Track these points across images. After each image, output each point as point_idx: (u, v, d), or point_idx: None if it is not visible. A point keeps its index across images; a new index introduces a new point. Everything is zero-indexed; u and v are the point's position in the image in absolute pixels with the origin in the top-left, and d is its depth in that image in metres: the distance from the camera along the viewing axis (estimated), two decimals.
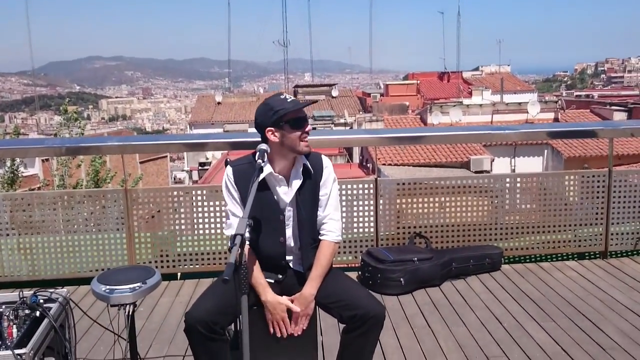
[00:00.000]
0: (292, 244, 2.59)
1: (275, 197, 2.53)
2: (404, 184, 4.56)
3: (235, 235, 1.97)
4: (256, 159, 2.38)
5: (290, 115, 2.43)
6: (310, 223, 2.57)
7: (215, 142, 4.84)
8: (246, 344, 2.04)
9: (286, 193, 2.53)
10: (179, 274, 4.70)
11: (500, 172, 18.04)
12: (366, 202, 4.46)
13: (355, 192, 4.46)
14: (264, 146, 2.44)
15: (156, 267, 4.41)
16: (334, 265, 4.09)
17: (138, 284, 2.41)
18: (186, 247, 4.52)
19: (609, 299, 3.88)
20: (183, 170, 35.16)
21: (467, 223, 4.60)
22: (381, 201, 4.48)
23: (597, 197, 4.66)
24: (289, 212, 2.55)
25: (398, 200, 4.55)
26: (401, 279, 4.02)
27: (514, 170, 21.87)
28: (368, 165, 22.27)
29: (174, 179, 35.67)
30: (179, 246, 4.54)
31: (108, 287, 2.40)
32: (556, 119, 24.84)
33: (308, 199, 2.55)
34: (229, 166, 2.56)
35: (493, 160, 21.58)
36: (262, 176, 2.43)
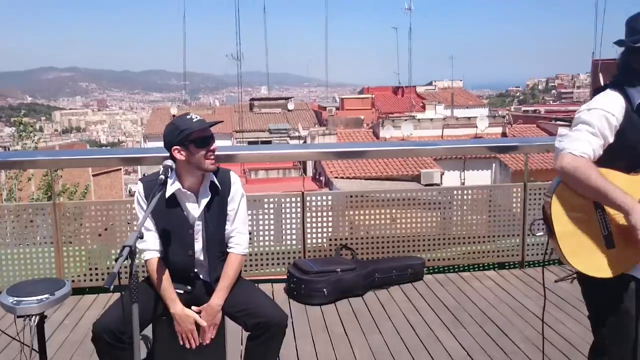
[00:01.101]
0: (201, 257, 2.70)
1: (184, 212, 2.65)
2: (349, 196, 4.72)
3: (124, 247, 2.08)
4: (160, 174, 2.49)
5: (195, 135, 2.55)
6: (218, 237, 2.70)
7: (152, 157, 4.88)
8: (137, 352, 2.14)
9: (194, 208, 2.65)
10: (111, 287, 4.72)
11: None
12: (294, 215, 4.60)
13: (284, 205, 4.59)
14: (169, 162, 2.55)
15: (86, 280, 4.45)
16: (264, 277, 4.26)
17: (46, 296, 2.48)
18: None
19: (519, 307, 4.10)
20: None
21: (393, 235, 4.78)
22: (309, 214, 4.62)
23: (516, 210, 4.92)
24: (198, 227, 2.67)
25: (326, 213, 4.70)
26: (324, 290, 4.16)
27: (463, 183, 22.40)
28: (321, 178, 22.48)
29: (129, 191, 35.15)
30: (110, 260, 4.57)
31: (16, 298, 2.46)
32: (504, 134, 25.60)
33: (216, 214, 2.67)
34: (139, 181, 2.68)
35: (443, 173, 22.06)
36: (170, 192, 2.57)
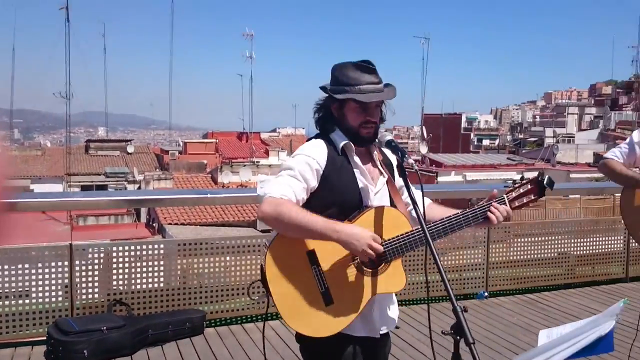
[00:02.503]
0: None
1: None
2: (126, 247, 4.43)
3: None
4: None
5: None
6: None
7: None
8: None
9: None
10: None
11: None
12: (59, 269, 4.23)
13: (49, 258, 4.22)
14: None
15: None
16: (23, 339, 3.84)
17: None
18: None
19: (289, 355, 4.06)
20: None
21: (173, 287, 4.58)
22: (77, 268, 4.28)
23: None
24: None
25: (99, 266, 4.39)
26: (84, 351, 3.83)
27: None
28: (154, 224, 21.69)
29: None
30: None
31: None
32: None
33: None
34: None
35: None
36: None
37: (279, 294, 2.02)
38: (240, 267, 4.76)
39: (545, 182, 2.15)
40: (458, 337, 1.69)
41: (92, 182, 33.97)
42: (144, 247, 4.53)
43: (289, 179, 2.03)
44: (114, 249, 4.44)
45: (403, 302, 5.12)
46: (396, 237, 2.07)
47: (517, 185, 2.19)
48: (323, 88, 2.16)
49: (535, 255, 6.07)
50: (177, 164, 34.79)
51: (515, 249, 6.00)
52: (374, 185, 2.17)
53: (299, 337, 2.15)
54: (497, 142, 63.58)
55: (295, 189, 2.01)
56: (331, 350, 2.11)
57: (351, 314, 2.05)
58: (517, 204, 2.16)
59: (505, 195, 2.16)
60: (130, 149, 40.19)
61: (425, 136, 36.36)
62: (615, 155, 3.41)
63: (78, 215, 22.57)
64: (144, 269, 4.50)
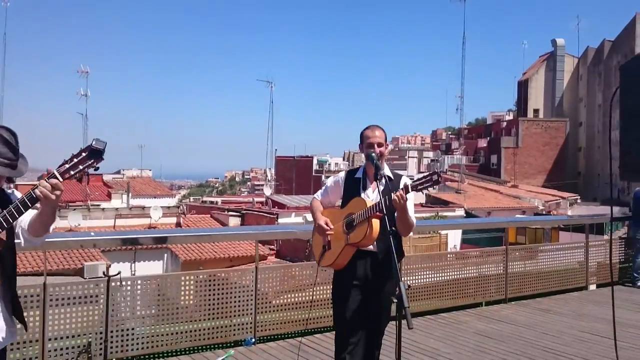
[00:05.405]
0: None
1: None
2: None
3: None
4: None
5: None
6: None
7: None
8: None
9: None
10: None
11: None
12: None
13: None
14: None
15: None
16: None
17: None
18: None
19: None
20: None
21: None
22: None
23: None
24: None
25: None
26: None
27: (134, 274, 21.70)
28: None
29: None
30: None
31: None
32: (178, 224, 25.94)
33: None
34: None
35: (109, 265, 21.11)
36: None
37: None
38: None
39: (93, 145, 2.27)
40: None
41: None
42: None
43: None
44: None
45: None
46: None
47: (69, 158, 2.31)
48: None
49: (309, 298, 6.10)
50: None
51: (284, 297, 5.99)
52: None
53: None
54: None
55: None
56: None
57: None
58: (69, 174, 2.30)
59: (55, 170, 2.31)
60: None
61: (269, 178, 36.90)
62: (317, 195, 4.02)
63: None
64: None
